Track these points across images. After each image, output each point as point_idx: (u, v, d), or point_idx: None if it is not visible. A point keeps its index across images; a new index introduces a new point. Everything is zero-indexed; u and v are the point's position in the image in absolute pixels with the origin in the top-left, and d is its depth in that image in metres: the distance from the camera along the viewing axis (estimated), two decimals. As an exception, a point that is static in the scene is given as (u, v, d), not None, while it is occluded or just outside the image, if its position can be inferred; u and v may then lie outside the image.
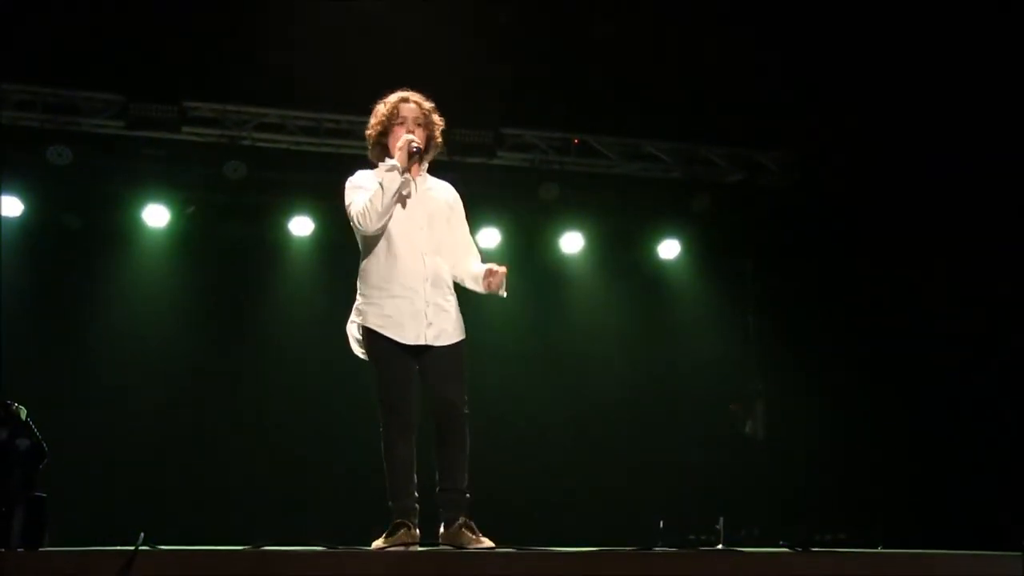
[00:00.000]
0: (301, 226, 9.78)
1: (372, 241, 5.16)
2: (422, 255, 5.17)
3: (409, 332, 5.08)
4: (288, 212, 9.77)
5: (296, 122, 9.68)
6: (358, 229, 5.12)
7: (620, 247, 10.51)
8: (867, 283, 9.87)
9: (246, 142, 9.53)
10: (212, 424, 9.37)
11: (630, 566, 4.35)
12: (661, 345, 10.48)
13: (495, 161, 9.84)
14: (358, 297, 5.20)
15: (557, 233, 10.18)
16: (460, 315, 5.26)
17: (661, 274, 10.65)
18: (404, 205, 5.17)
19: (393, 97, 5.31)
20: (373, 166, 5.34)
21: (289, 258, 9.97)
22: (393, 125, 5.24)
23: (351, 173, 5.37)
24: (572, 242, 10.20)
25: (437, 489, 5.16)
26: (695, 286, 10.66)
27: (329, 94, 9.28)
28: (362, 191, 5.15)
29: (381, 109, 5.30)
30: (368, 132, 5.34)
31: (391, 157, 5.22)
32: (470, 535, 5.03)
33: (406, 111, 5.25)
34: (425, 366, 5.13)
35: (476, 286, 5.32)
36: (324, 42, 8.61)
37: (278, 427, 9.57)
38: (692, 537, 8.75)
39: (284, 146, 9.70)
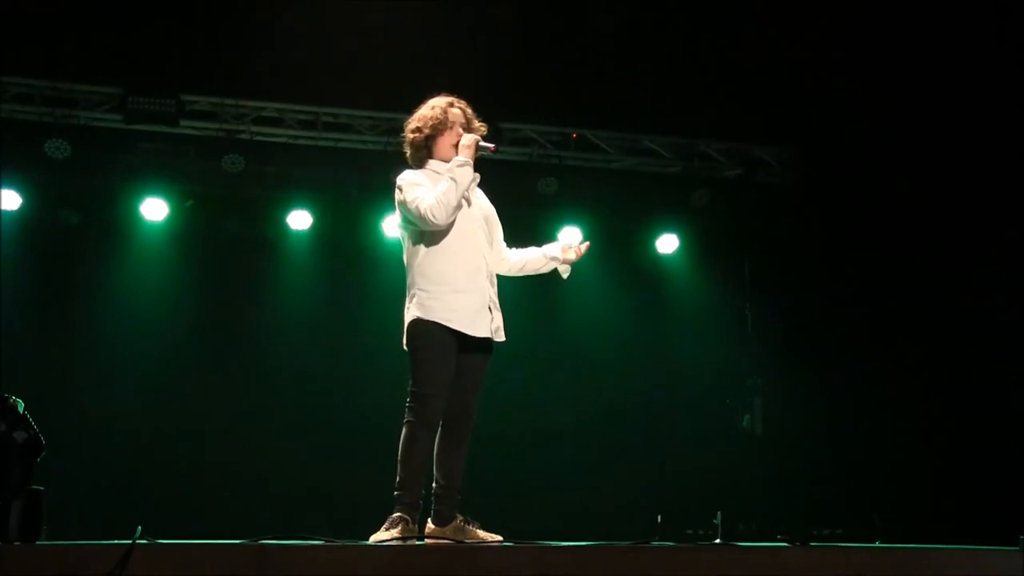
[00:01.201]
0: (299, 220, 9.77)
1: (432, 236, 5.23)
2: (481, 252, 5.34)
3: (479, 326, 5.21)
4: (286, 206, 9.76)
5: (294, 116, 9.67)
6: (429, 222, 5.15)
7: (619, 242, 10.49)
8: (865, 279, 9.87)
9: (244, 136, 9.51)
10: (210, 417, 9.36)
11: (628, 560, 4.36)
12: (659, 340, 10.47)
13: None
14: (417, 292, 5.21)
15: (555, 227, 10.17)
16: None
17: (659, 269, 10.65)
18: (469, 203, 5.33)
19: (441, 102, 5.42)
20: (407, 165, 5.43)
21: (287, 252, 9.95)
22: (444, 129, 5.36)
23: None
24: (570, 237, 10.18)
25: (435, 486, 5.21)
26: (694, 281, 10.66)
27: (328, 88, 9.27)
28: (423, 187, 5.22)
29: (429, 113, 5.40)
30: (413, 135, 5.41)
31: (434, 159, 5.36)
32: (476, 530, 5.10)
33: (454, 116, 5.41)
34: (462, 366, 5.20)
35: (547, 263, 5.54)
36: (322, 36, 8.60)
37: (276, 420, 9.55)
38: (690, 532, 8.76)
39: (282, 140, 9.70)
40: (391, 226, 9.84)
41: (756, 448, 10.24)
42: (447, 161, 5.34)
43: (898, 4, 8.39)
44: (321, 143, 9.69)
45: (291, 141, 9.71)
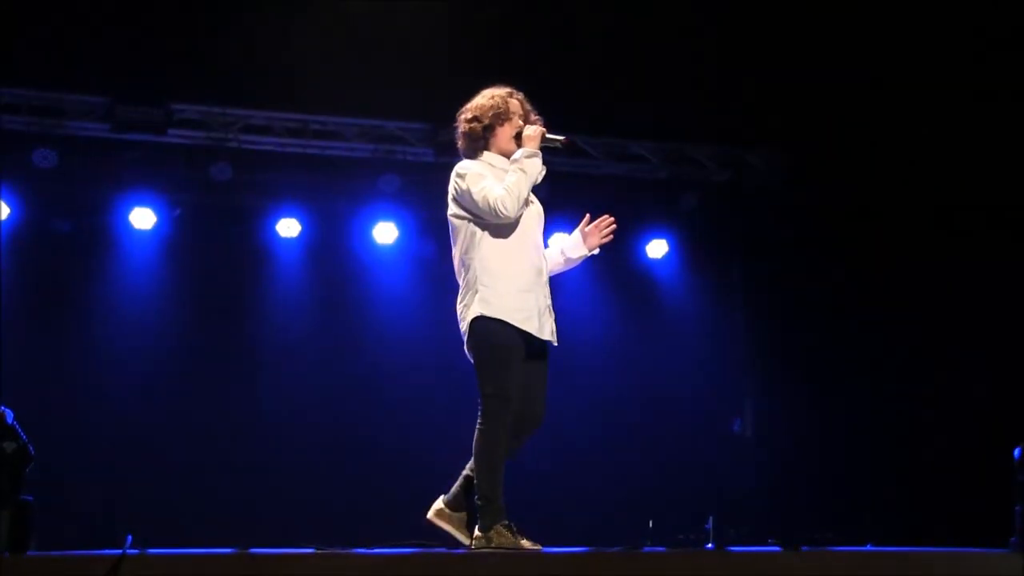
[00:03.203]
0: (288, 228, 9.76)
1: (496, 231, 5.02)
2: (541, 252, 5.21)
3: (545, 328, 5.04)
4: (275, 214, 9.75)
5: (282, 124, 9.65)
6: (499, 214, 4.93)
7: (607, 247, 10.43)
8: (856, 281, 9.87)
9: (232, 144, 9.50)
10: (201, 426, 9.33)
11: (619, 567, 4.35)
12: (649, 344, 10.46)
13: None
14: (480, 288, 4.98)
15: (544, 234, 10.15)
16: None
17: (649, 273, 10.65)
18: (528, 200, 5.14)
19: (501, 91, 5.23)
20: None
21: (276, 260, 9.94)
22: (505, 120, 5.15)
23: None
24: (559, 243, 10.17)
25: (469, 472, 5.13)
26: (684, 285, 10.67)
27: (315, 96, 9.25)
28: (489, 179, 5.01)
29: (488, 103, 5.18)
30: (470, 125, 5.17)
31: (490, 151, 5.15)
32: (518, 538, 4.94)
33: (514, 107, 5.19)
34: (530, 373, 5.04)
35: (565, 262, 5.42)
36: (311, 43, 8.58)
37: (267, 429, 9.52)
38: (681, 537, 8.73)
39: (270, 148, 9.68)
40: (381, 233, 9.84)
41: (747, 452, 10.24)
42: (504, 153, 5.13)
43: (889, 6, 8.39)
44: (309, 151, 9.67)
45: (279, 149, 9.69)
